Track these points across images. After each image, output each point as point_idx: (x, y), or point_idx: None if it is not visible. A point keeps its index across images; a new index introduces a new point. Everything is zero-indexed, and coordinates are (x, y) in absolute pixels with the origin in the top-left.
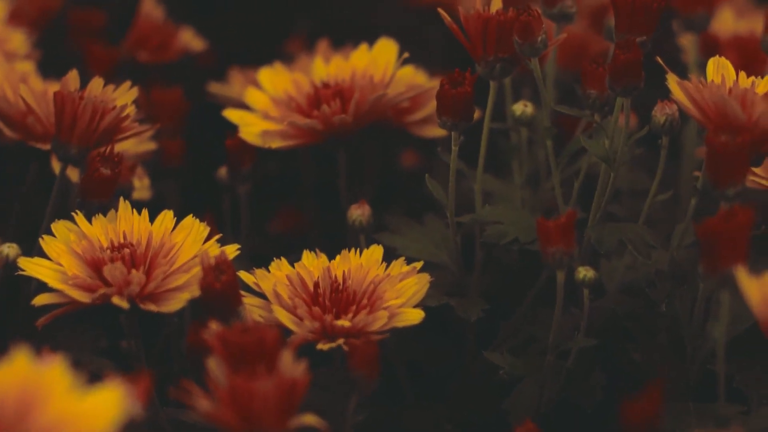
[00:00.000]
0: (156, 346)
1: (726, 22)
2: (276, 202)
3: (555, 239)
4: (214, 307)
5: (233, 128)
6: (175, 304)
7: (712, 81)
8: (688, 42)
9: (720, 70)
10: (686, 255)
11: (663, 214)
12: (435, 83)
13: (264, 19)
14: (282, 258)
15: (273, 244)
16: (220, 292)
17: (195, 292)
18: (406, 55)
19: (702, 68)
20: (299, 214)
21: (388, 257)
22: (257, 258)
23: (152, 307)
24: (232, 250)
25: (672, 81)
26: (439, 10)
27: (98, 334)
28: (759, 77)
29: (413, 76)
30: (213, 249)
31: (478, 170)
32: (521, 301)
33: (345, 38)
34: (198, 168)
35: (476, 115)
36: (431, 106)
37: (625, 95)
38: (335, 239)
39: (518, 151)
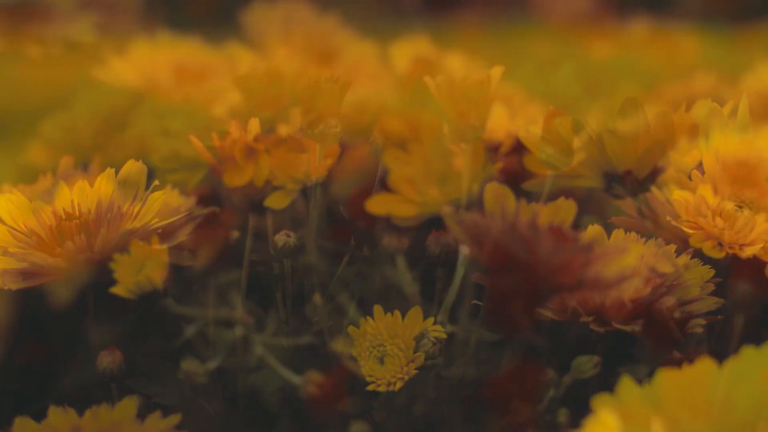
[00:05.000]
0: None
1: (500, 123)
2: (22, 331)
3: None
4: None
5: None
6: None
7: (492, 214)
8: (463, 153)
9: (499, 199)
10: None
11: None
12: (190, 202)
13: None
14: (26, 416)
15: (18, 382)
16: None
17: None
18: (156, 182)
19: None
20: (45, 348)
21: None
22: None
23: None
24: None
25: (447, 216)
26: (191, 137)
27: None
28: (542, 202)
29: (168, 198)
30: None
31: (238, 310)
32: None
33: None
34: None
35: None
36: (186, 230)
37: None
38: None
39: (282, 281)
